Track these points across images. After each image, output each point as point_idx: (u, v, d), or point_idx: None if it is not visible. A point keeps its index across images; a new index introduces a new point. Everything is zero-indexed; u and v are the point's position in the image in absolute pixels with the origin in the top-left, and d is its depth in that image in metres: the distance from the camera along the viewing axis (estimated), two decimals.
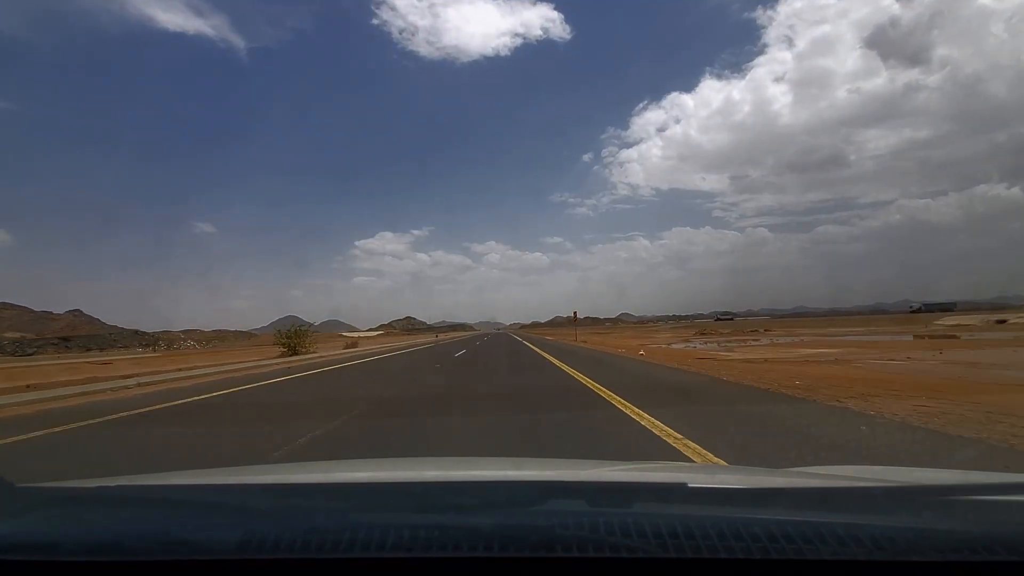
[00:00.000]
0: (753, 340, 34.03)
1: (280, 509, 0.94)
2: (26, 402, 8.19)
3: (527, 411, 6.20)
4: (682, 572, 0.70)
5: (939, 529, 0.73)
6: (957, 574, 0.67)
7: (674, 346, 25.53)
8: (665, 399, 6.72)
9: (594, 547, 0.70)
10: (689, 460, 3.68)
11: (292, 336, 25.41)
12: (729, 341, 32.37)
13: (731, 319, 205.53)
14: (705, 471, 2.32)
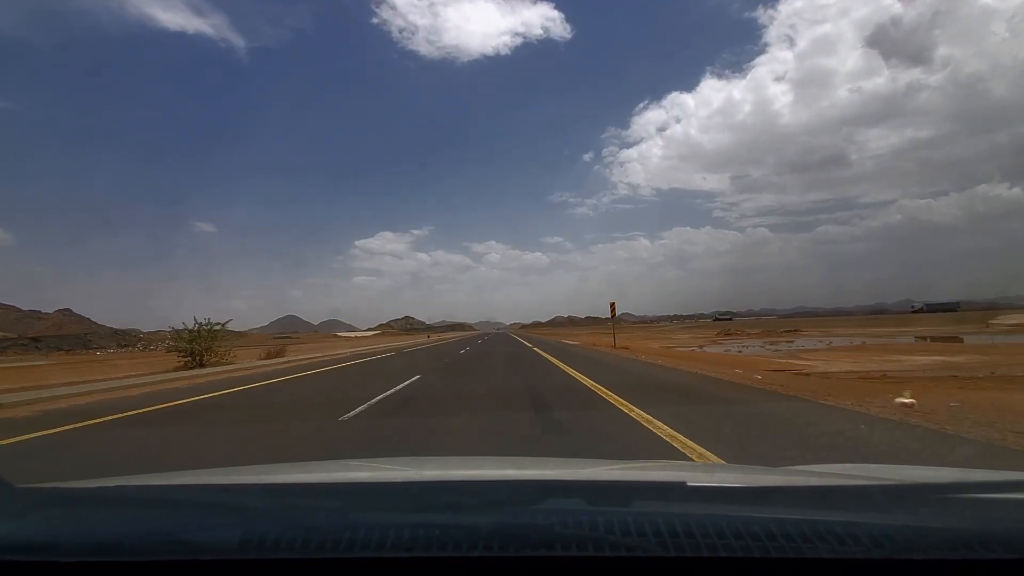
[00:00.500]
0: (787, 341, 32.18)
1: (280, 509, 0.95)
2: None
3: None
4: (682, 570, 0.70)
5: (937, 527, 0.73)
6: (955, 572, 0.67)
7: (706, 349, 23.56)
8: None
9: (594, 546, 0.70)
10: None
11: (196, 339, 17.55)
12: (772, 343, 29.91)
13: (730, 319, 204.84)
14: (704, 470, 2.32)
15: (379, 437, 5.15)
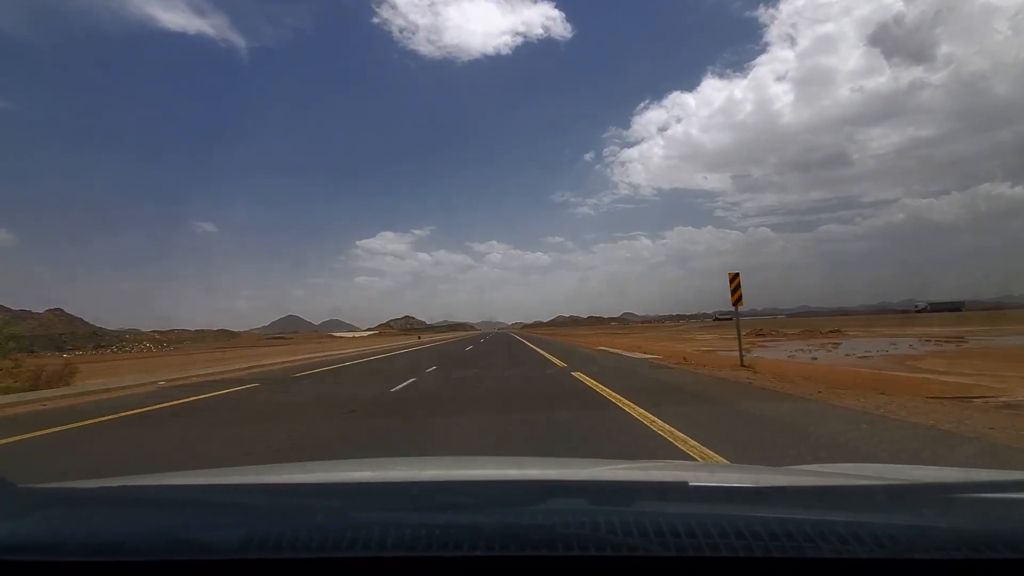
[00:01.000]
0: (832, 343, 26.35)
1: (282, 508, 0.95)
2: None
3: None
4: (683, 570, 0.70)
5: (940, 527, 0.73)
6: (958, 572, 0.67)
7: (756, 353, 18.38)
8: None
9: (595, 546, 0.70)
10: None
11: None
12: (829, 346, 24.50)
13: (730, 319, 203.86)
14: (706, 469, 2.32)
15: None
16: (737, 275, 12.91)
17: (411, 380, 10.98)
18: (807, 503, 0.92)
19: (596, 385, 9.09)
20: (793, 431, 5.13)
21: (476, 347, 30.22)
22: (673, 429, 5.21)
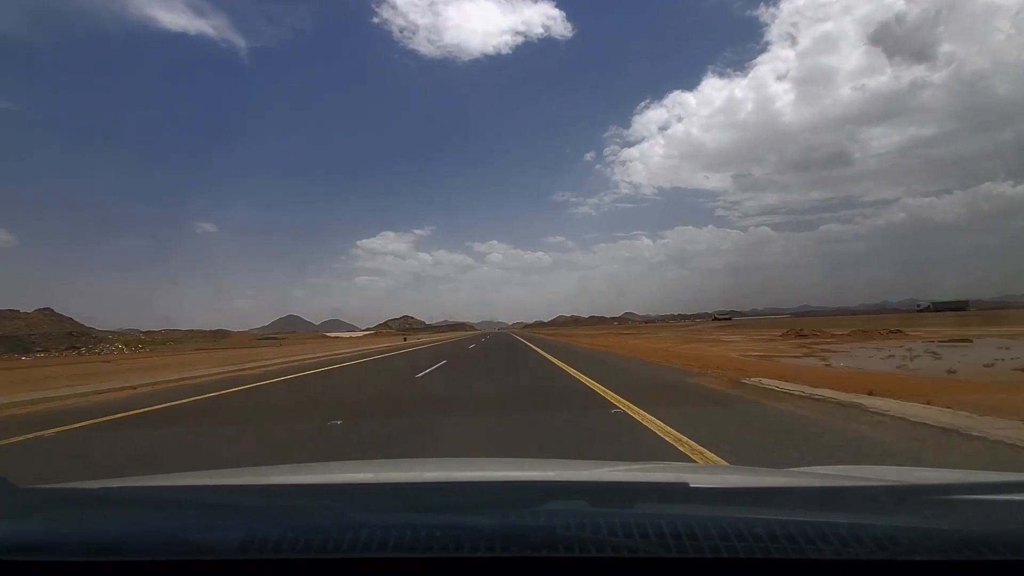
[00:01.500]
0: (899, 346, 19.20)
1: (282, 509, 0.95)
2: None
3: None
4: (684, 572, 0.70)
5: (941, 529, 0.73)
6: (960, 574, 0.67)
7: (839, 361, 14.09)
8: None
9: (595, 547, 0.70)
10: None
11: None
12: (900, 350, 17.11)
13: (729, 319, 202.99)
14: (707, 471, 2.32)
15: None
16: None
17: (336, 422, 6.18)
18: (808, 504, 0.92)
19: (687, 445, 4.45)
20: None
21: (468, 351, 24.27)
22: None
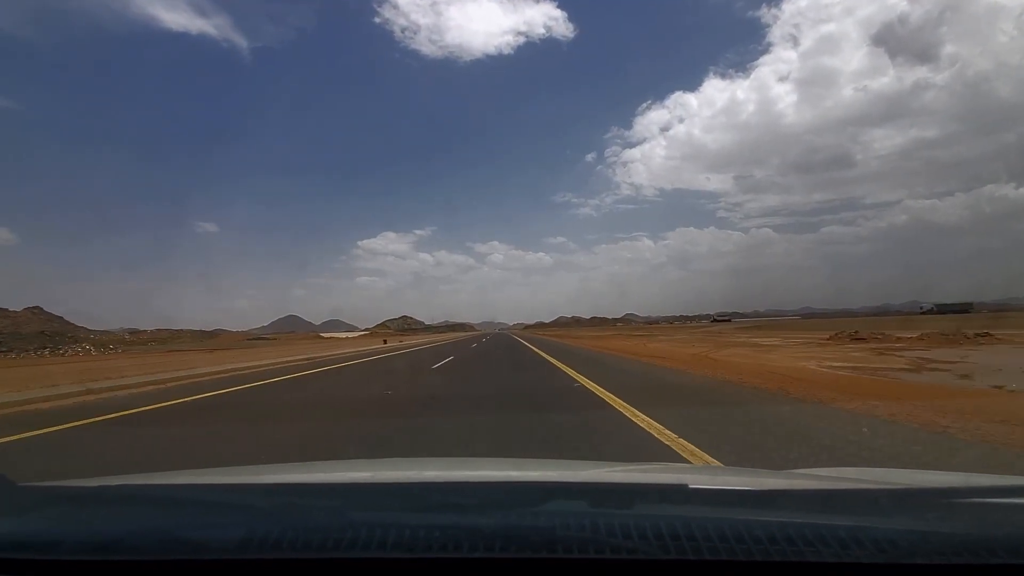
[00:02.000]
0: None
1: (281, 508, 0.95)
2: None
3: None
4: (683, 574, 0.70)
5: (941, 532, 0.73)
6: None
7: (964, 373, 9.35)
8: None
9: (595, 548, 0.70)
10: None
11: None
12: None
13: (728, 320, 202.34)
14: (706, 472, 2.31)
15: None
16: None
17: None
18: (808, 507, 0.92)
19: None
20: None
21: (457, 357, 19.32)
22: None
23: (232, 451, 5.14)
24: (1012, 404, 6.11)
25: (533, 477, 1.44)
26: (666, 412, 5.76)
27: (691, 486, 1.09)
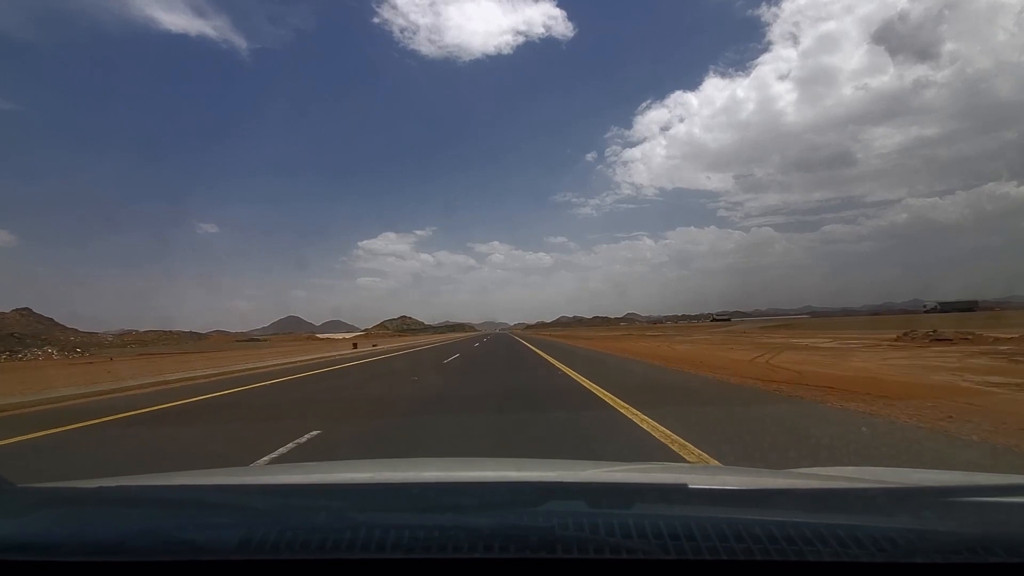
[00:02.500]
0: None
1: (280, 509, 0.95)
2: None
3: None
4: (683, 573, 0.70)
5: (940, 531, 0.73)
6: None
7: None
8: None
9: (594, 548, 0.70)
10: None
11: None
12: None
13: (728, 319, 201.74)
14: (706, 472, 2.31)
15: None
16: None
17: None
18: (807, 506, 0.92)
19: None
20: None
21: (444, 369, 13.73)
22: None
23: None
24: None
25: (532, 477, 1.43)
26: None
27: (690, 486, 1.09)
